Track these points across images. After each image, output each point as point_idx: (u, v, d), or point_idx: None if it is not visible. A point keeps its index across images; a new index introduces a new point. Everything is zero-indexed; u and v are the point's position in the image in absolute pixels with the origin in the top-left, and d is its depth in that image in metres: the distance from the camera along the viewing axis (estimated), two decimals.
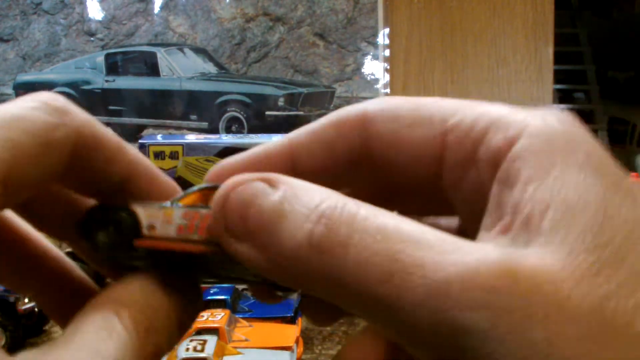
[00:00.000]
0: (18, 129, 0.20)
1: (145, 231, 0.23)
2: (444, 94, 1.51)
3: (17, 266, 0.26)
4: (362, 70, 1.73)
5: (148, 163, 0.25)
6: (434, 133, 0.22)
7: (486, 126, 0.21)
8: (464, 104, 0.22)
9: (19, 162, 0.20)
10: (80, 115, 0.23)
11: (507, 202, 0.20)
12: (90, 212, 0.24)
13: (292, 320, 0.90)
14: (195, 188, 0.24)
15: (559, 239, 0.18)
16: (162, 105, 1.72)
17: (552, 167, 0.19)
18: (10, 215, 0.25)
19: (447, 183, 0.23)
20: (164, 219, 0.23)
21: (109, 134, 0.24)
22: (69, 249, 0.29)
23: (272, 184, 0.20)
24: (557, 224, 0.18)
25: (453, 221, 0.26)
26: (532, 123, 0.20)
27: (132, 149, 0.25)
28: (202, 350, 0.74)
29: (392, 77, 1.59)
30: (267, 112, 1.73)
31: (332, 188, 0.21)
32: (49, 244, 0.27)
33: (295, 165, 0.24)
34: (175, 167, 1.00)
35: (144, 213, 0.23)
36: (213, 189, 0.22)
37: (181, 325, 0.23)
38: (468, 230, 0.23)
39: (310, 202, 0.19)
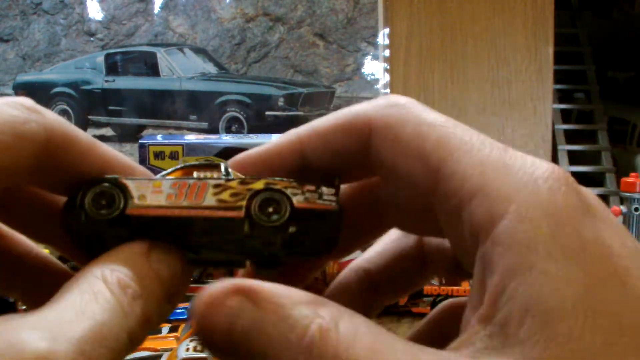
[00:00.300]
0: None
1: (136, 201, 0.24)
2: (444, 94, 1.51)
3: (1, 268, 0.26)
4: (362, 70, 1.73)
5: (123, 159, 0.25)
6: (428, 175, 0.22)
7: (473, 191, 0.20)
8: (462, 145, 0.21)
9: None
10: (50, 114, 0.23)
11: (487, 288, 0.19)
12: (80, 185, 0.24)
13: None
14: (178, 167, 0.25)
15: (535, 354, 0.17)
16: (162, 105, 1.72)
17: (533, 261, 0.18)
18: None
19: (439, 217, 0.23)
20: (153, 189, 0.24)
21: (80, 132, 0.24)
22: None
23: (251, 298, 0.20)
24: (534, 335, 0.18)
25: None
26: (518, 200, 0.19)
27: (105, 147, 0.25)
28: (202, 350, 0.74)
29: (392, 77, 1.59)
30: (267, 112, 1.73)
31: (343, 182, 0.24)
32: (31, 244, 0.27)
33: (304, 161, 0.25)
34: None
35: (133, 184, 0.24)
36: (196, 167, 0.24)
37: (170, 296, 0.23)
38: (458, 257, 0.23)
39: (298, 325, 0.19)
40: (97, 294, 0.20)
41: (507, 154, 0.21)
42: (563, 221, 0.19)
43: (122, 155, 0.26)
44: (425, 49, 1.51)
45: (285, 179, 0.24)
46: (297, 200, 0.24)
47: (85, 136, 0.24)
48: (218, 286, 0.21)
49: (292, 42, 1.72)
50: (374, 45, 1.73)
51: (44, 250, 0.27)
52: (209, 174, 0.25)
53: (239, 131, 1.72)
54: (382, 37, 1.65)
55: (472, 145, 0.22)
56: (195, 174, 0.25)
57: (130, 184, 0.24)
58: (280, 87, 1.73)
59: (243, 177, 0.24)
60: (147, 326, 0.21)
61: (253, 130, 1.71)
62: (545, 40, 1.45)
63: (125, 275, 0.21)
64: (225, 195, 0.24)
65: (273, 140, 0.26)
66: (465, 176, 0.21)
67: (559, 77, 1.54)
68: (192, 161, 0.26)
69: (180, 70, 1.72)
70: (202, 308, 0.21)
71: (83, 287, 0.20)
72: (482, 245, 0.20)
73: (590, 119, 1.59)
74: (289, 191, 0.24)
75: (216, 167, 0.25)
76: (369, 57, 1.74)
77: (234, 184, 0.24)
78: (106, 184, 0.24)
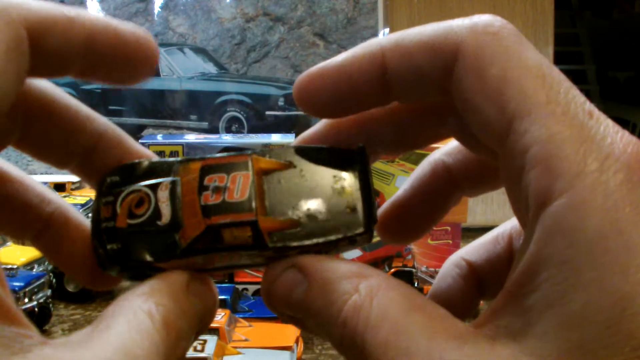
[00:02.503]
0: None
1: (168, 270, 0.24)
2: None
3: (14, 213, 0.26)
4: None
5: (104, 22, 0.23)
6: (502, 124, 0.20)
7: (538, 158, 0.19)
8: (543, 105, 0.19)
9: None
10: (21, 6, 0.21)
11: (520, 264, 0.19)
12: (114, 260, 0.24)
13: None
14: (206, 225, 0.23)
15: (545, 352, 0.17)
16: (162, 105, 1.72)
17: (570, 256, 0.17)
18: (3, 164, 0.25)
19: (501, 167, 0.21)
20: (187, 265, 0.23)
21: (57, 10, 0.22)
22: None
23: (303, 272, 0.23)
24: (549, 332, 0.17)
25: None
26: (579, 185, 0.18)
27: (86, 16, 0.23)
28: (202, 350, 0.74)
29: None
30: (267, 112, 1.73)
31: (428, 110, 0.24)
32: (43, 190, 0.27)
33: (385, 75, 0.23)
34: None
35: (168, 265, 0.23)
36: (231, 226, 0.23)
37: (200, 330, 0.23)
38: (515, 214, 0.22)
39: (337, 300, 0.21)
40: (143, 331, 0.19)
41: (589, 122, 0.19)
42: (617, 219, 0.17)
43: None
44: None
45: (319, 240, 0.23)
46: (331, 254, 0.24)
47: (61, 11, 0.22)
48: (278, 263, 0.23)
49: (292, 42, 1.72)
50: None
51: (57, 196, 0.27)
52: (240, 234, 0.23)
53: (239, 131, 1.72)
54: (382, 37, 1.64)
55: (556, 104, 0.19)
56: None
57: (164, 266, 0.23)
58: (280, 87, 1.73)
59: (277, 246, 0.23)
60: None
61: (253, 130, 1.70)
62: (545, 40, 1.45)
63: (169, 312, 0.20)
64: (259, 260, 0.24)
65: (352, 50, 0.24)
66: (535, 140, 0.19)
67: None
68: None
69: (181, 70, 1.72)
70: (265, 284, 0.24)
71: (130, 320, 0.19)
72: (531, 220, 0.19)
73: None
74: (323, 252, 0.24)
75: (246, 226, 0.23)
76: None
77: (268, 253, 0.23)
78: (140, 267, 0.23)
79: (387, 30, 1.58)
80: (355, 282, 0.21)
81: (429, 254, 1.05)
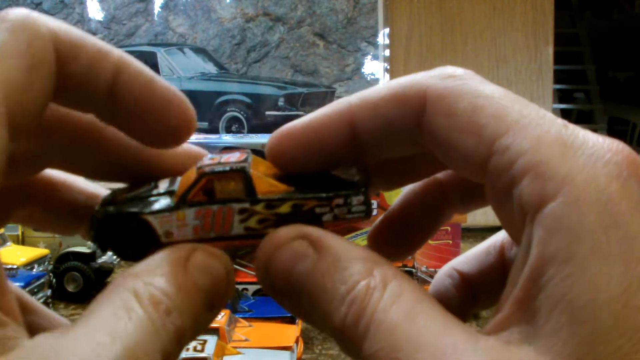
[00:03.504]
0: None
1: (163, 239, 0.23)
2: None
3: (63, 214, 0.26)
4: (362, 70, 1.73)
5: (138, 65, 0.23)
6: (481, 150, 0.21)
7: (526, 168, 0.19)
8: (519, 120, 0.20)
9: (12, 91, 0.19)
10: (50, 23, 0.21)
11: (525, 269, 0.19)
12: (101, 224, 0.24)
13: (292, 320, 0.90)
14: (196, 179, 0.23)
15: (557, 350, 0.17)
16: None
17: (573, 252, 0.18)
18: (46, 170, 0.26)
19: (488, 194, 0.22)
20: (177, 223, 0.23)
21: (86, 38, 0.22)
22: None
23: (314, 245, 0.22)
24: (559, 330, 0.17)
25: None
26: (571, 183, 0.18)
27: (115, 52, 0.23)
28: (202, 350, 0.74)
29: (392, 77, 1.59)
30: (267, 112, 1.73)
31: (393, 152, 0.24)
32: (84, 187, 0.27)
33: (354, 132, 0.24)
34: None
35: (156, 221, 0.23)
36: (216, 175, 0.23)
37: (211, 304, 0.22)
38: (508, 234, 0.23)
39: (349, 279, 0.21)
40: (129, 311, 0.19)
41: (567, 131, 0.20)
42: (615, 212, 0.18)
43: (137, 63, 0.23)
44: (425, 49, 1.51)
45: (312, 195, 0.23)
46: (327, 218, 0.23)
47: (94, 41, 0.22)
48: (286, 230, 0.22)
49: (292, 42, 1.72)
50: (374, 45, 1.73)
51: (100, 188, 0.27)
52: (231, 185, 0.23)
53: (239, 131, 1.72)
54: (382, 37, 1.65)
55: (530, 120, 0.20)
56: (216, 185, 0.24)
57: (152, 221, 0.23)
58: (280, 87, 1.73)
59: (269, 198, 0.23)
60: (182, 341, 0.20)
61: (253, 130, 1.71)
62: (545, 40, 1.45)
63: (157, 290, 0.20)
64: (252, 223, 0.23)
65: (321, 109, 0.24)
66: (520, 152, 0.19)
67: (559, 77, 1.54)
68: (205, 160, 0.24)
69: (180, 70, 1.72)
70: (267, 249, 0.22)
71: (116, 303, 0.19)
72: (528, 225, 0.19)
73: (590, 119, 1.59)
74: (317, 210, 0.23)
75: (237, 173, 0.23)
76: (369, 57, 1.74)
77: (259, 208, 0.23)
78: (131, 226, 0.23)
79: (387, 30, 1.58)
80: (369, 266, 0.21)
81: (429, 254, 1.05)
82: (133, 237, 0.23)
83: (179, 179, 0.24)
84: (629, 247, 0.17)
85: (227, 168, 0.23)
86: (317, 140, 0.24)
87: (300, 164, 0.25)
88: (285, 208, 0.23)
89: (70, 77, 0.21)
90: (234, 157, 0.24)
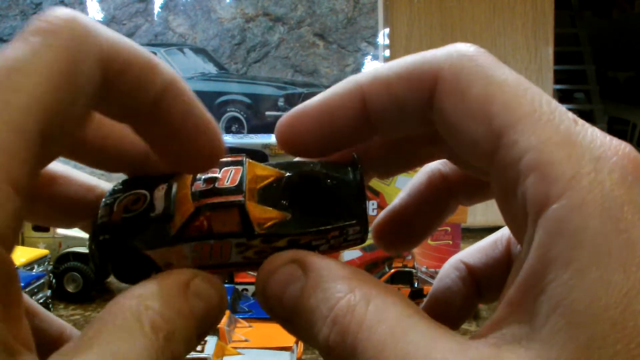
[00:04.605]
0: (38, 80, 0.18)
1: (164, 268, 0.24)
2: None
3: (63, 207, 0.26)
4: (362, 70, 1.73)
5: (184, 87, 0.23)
6: (490, 140, 0.20)
7: (532, 166, 0.19)
8: (530, 113, 0.20)
9: (49, 114, 0.18)
10: (102, 38, 0.20)
11: (522, 271, 0.19)
12: (102, 254, 0.24)
13: None
14: (196, 208, 0.23)
15: (553, 354, 0.17)
16: None
17: (574, 257, 0.17)
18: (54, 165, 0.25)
19: (493, 184, 0.22)
20: (177, 256, 0.23)
21: (138, 53, 0.21)
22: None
23: (303, 268, 0.22)
24: (556, 334, 0.17)
25: None
26: (576, 186, 0.18)
27: (164, 68, 0.22)
28: (202, 351, 0.74)
29: None
30: (267, 113, 1.73)
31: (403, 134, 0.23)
32: (91, 183, 0.27)
33: (365, 110, 0.23)
34: None
35: (157, 255, 0.23)
36: (213, 209, 0.23)
37: (201, 334, 0.22)
38: (509, 229, 0.22)
39: (330, 298, 0.21)
40: (133, 336, 0.19)
41: (576, 128, 0.19)
42: (618, 218, 0.17)
43: (183, 85, 0.23)
44: (425, 49, 1.51)
45: (309, 229, 0.23)
46: (323, 249, 0.24)
47: (144, 56, 0.21)
48: (279, 256, 0.23)
49: (292, 42, 1.72)
50: (374, 45, 1.73)
51: (101, 182, 0.27)
52: (228, 218, 0.23)
53: (239, 131, 1.72)
54: (382, 37, 1.65)
55: (540, 114, 0.20)
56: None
57: (153, 255, 0.23)
58: (280, 87, 1.73)
59: (266, 234, 0.23)
60: None
61: (253, 130, 1.70)
62: (545, 40, 1.45)
63: (159, 315, 0.20)
64: (249, 254, 0.24)
65: (331, 89, 0.24)
66: (527, 148, 0.19)
67: (559, 77, 1.54)
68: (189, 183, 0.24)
69: (180, 70, 1.72)
70: (263, 275, 0.23)
71: (120, 327, 0.19)
72: (531, 225, 0.19)
73: (590, 119, 1.59)
74: (313, 243, 0.23)
75: (233, 208, 0.23)
76: (369, 57, 1.74)
77: (256, 242, 0.23)
78: (132, 259, 0.23)
79: (387, 30, 1.58)
80: (352, 284, 0.21)
81: (429, 254, 1.05)
82: (135, 268, 0.24)
83: (174, 190, 0.24)
84: (630, 253, 0.17)
85: (224, 202, 0.23)
86: (329, 121, 0.24)
87: (312, 145, 0.24)
88: (282, 243, 0.23)
89: (114, 92, 0.21)
90: (229, 173, 0.24)
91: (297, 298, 0.22)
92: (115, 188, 0.25)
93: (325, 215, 0.24)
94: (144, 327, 0.20)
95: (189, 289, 0.22)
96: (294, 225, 0.23)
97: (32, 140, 0.18)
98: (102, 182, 0.27)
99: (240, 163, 0.24)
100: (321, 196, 0.24)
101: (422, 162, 0.27)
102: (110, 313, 0.20)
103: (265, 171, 0.24)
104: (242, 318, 0.89)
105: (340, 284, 0.21)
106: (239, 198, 0.23)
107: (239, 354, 0.79)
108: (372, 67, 0.24)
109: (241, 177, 0.24)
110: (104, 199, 0.25)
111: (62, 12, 0.20)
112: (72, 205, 0.26)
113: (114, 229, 0.24)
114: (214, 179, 0.24)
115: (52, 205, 0.26)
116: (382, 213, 0.29)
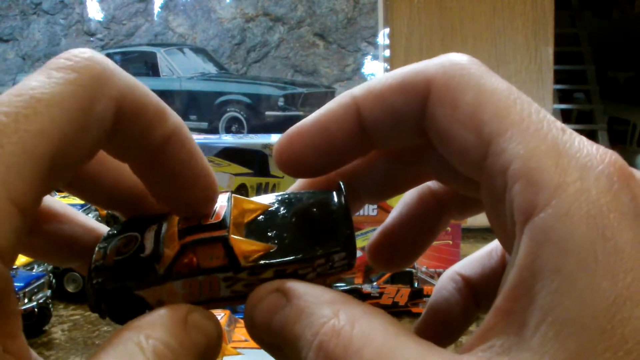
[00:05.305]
0: (56, 111, 0.19)
1: (156, 306, 0.24)
2: None
3: (62, 245, 0.27)
4: (362, 70, 1.73)
5: (188, 135, 0.24)
6: (480, 148, 0.21)
7: (519, 174, 0.19)
8: (519, 121, 0.20)
9: (61, 143, 0.19)
10: (118, 81, 0.21)
11: (508, 279, 0.19)
12: (97, 297, 0.25)
13: None
14: (177, 251, 0.24)
15: None
16: None
17: (561, 264, 0.18)
18: (48, 200, 0.26)
19: (482, 192, 0.22)
20: (168, 293, 0.24)
21: (150, 98, 0.22)
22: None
23: (286, 295, 0.22)
24: (546, 343, 0.17)
25: None
26: (562, 194, 0.18)
27: (174, 117, 0.23)
28: None
29: None
30: (267, 112, 1.72)
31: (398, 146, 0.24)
32: (88, 221, 0.27)
33: (361, 123, 0.24)
34: None
35: (148, 294, 0.24)
36: (198, 245, 0.23)
37: None
38: (497, 237, 0.23)
39: (315, 323, 0.21)
40: None
41: (563, 137, 0.20)
42: (604, 225, 0.18)
43: (189, 137, 0.24)
44: (425, 49, 1.51)
45: (294, 258, 0.24)
46: (310, 277, 0.24)
47: (154, 102, 0.22)
48: (264, 286, 0.23)
49: (292, 42, 1.71)
50: (374, 45, 1.73)
51: (100, 225, 0.28)
52: (213, 253, 0.24)
53: (239, 131, 1.72)
54: (382, 37, 1.65)
55: (529, 123, 0.20)
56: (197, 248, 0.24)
57: (144, 295, 0.24)
58: (280, 87, 1.73)
59: (252, 266, 0.24)
60: None
61: (253, 130, 1.70)
62: (545, 40, 1.45)
63: (161, 343, 0.20)
64: (238, 287, 0.24)
65: (326, 106, 0.24)
66: (514, 156, 0.19)
67: (559, 77, 1.54)
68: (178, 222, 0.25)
69: (180, 70, 1.72)
70: (249, 306, 0.23)
71: (120, 351, 0.20)
72: (518, 235, 0.19)
73: (590, 119, 1.59)
74: (300, 272, 0.24)
75: (217, 243, 0.24)
76: (369, 57, 1.74)
77: (243, 275, 0.24)
78: (125, 299, 0.24)
79: (387, 30, 1.58)
80: (336, 308, 0.21)
81: (429, 255, 1.05)
82: (128, 308, 0.24)
83: (163, 229, 0.25)
84: (617, 260, 0.17)
85: (208, 237, 0.24)
86: (326, 136, 0.24)
87: (311, 163, 0.25)
88: (268, 274, 0.24)
89: (124, 132, 0.22)
90: (214, 209, 0.25)
91: (283, 326, 0.22)
92: (110, 232, 0.26)
93: (310, 244, 0.24)
94: (146, 355, 0.20)
95: (187, 323, 0.22)
96: (279, 255, 0.24)
97: (41, 165, 0.18)
98: (101, 225, 0.27)
99: (226, 199, 0.25)
100: (306, 225, 0.25)
101: (411, 183, 0.28)
102: (112, 344, 0.20)
103: (252, 205, 0.25)
104: (242, 318, 0.89)
105: (324, 309, 0.21)
106: (223, 233, 0.24)
107: (239, 354, 0.79)
108: (363, 83, 0.25)
109: (225, 213, 0.24)
110: (99, 244, 0.26)
111: (84, 52, 0.21)
112: (70, 244, 0.27)
113: (106, 271, 0.25)
114: (201, 217, 0.24)
115: (50, 241, 0.27)
116: (375, 233, 0.29)
